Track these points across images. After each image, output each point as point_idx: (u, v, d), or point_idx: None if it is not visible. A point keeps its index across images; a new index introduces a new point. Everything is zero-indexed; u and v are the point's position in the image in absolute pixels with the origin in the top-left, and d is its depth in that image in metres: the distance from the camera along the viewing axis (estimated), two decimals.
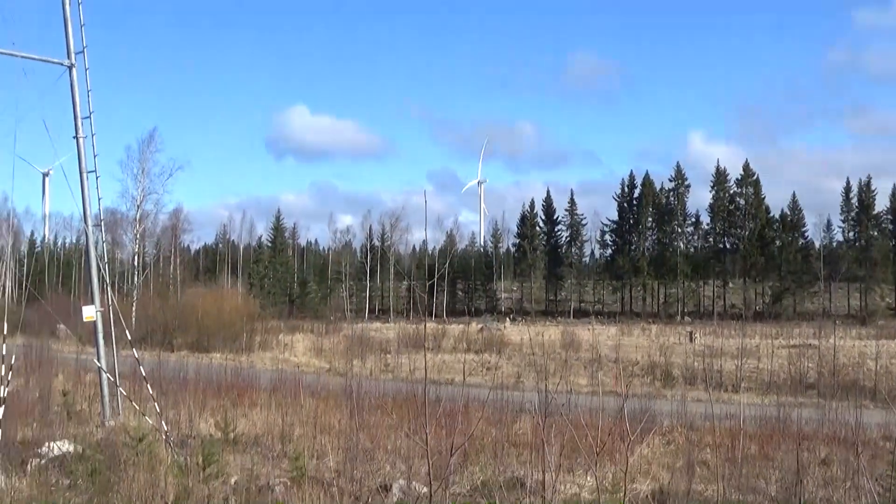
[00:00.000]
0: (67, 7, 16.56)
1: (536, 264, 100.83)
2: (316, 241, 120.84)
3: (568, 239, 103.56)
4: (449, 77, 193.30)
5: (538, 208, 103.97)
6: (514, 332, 54.93)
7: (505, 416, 15.74)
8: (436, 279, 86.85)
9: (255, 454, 13.25)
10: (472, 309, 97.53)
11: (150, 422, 14.29)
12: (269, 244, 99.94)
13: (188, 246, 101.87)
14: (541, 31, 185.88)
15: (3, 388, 12.82)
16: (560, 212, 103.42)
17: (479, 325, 60.00)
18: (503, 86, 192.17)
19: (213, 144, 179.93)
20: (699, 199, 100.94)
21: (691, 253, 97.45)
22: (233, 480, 10.80)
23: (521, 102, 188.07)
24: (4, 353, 13.29)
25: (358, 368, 29.52)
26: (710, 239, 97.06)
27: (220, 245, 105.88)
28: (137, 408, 15.56)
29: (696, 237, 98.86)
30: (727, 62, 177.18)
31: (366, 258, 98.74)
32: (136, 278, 57.40)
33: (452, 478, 9.05)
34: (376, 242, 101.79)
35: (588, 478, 10.75)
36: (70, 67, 16.64)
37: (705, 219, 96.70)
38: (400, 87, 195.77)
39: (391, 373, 31.03)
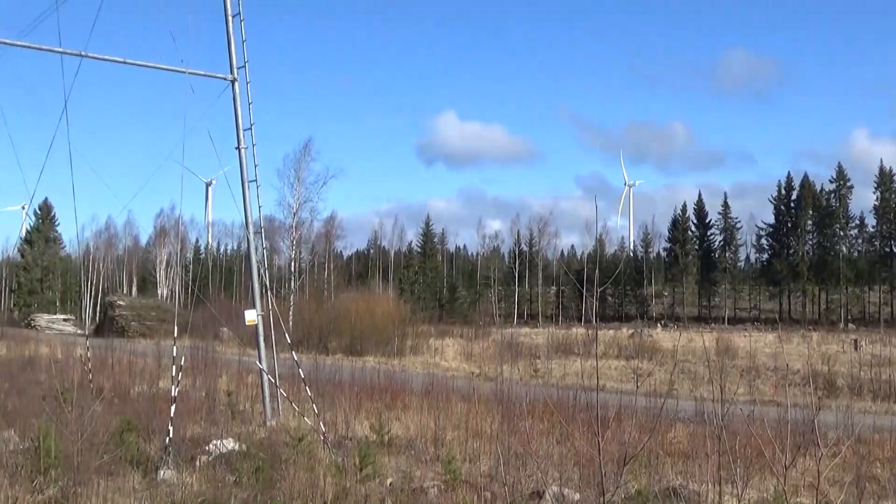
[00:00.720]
0: (230, 24, 17.35)
1: (688, 269, 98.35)
2: (465, 246, 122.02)
3: (721, 243, 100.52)
4: (598, 79, 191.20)
5: (690, 212, 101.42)
6: (666, 338, 53.68)
7: (658, 424, 15.42)
8: (584, 284, 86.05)
9: (409, 456, 13.47)
10: (623, 314, 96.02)
11: (309, 422, 14.76)
12: (419, 249, 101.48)
13: (341, 252, 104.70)
14: (691, 30, 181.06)
15: (174, 387, 13.54)
16: (713, 215, 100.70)
17: (630, 331, 58.96)
18: (653, 86, 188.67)
19: (365, 152, 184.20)
20: (863, 200, 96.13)
21: (855, 257, 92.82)
22: (388, 482, 11.03)
23: (672, 103, 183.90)
24: (175, 354, 14.05)
25: (507, 373, 29.54)
26: (876, 242, 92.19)
27: (372, 251, 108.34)
28: (297, 409, 16.09)
29: (860, 241, 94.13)
30: (892, 54, 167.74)
31: (514, 263, 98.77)
32: (292, 283, 59.35)
33: (605, 486, 8.91)
34: (524, 247, 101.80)
35: (748, 490, 10.40)
36: (232, 82, 17.42)
37: (870, 221, 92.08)
38: (548, 91, 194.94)
39: (541, 378, 30.88)
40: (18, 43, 15.74)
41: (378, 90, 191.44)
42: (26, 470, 10.78)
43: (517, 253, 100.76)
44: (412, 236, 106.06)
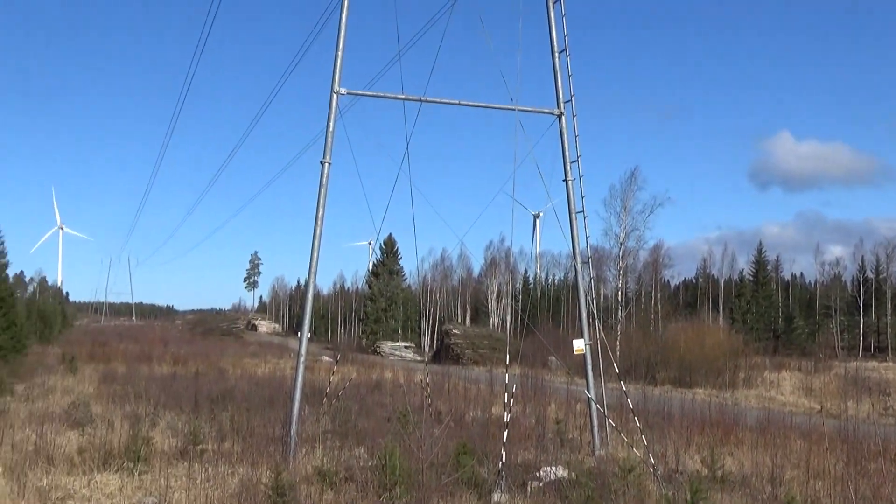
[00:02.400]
0: (556, 60, 17.83)
1: None
2: (801, 274, 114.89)
3: None
4: None
5: None
6: None
7: None
8: None
9: (744, 494, 12.91)
10: None
11: (638, 454, 14.61)
12: (751, 278, 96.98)
13: (668, 281, 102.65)
14: None
15: (506, 413, 14.01)
16: None
17: None
18: None
19: (693, 178, 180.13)
20: None
21: None
22: None
23: None
24: (506, 381, 14.54)
25: (853, 410, 27.37)
26: None
27: (700, 279, 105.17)
28: (625, 439, 15.99)
29: None
30: None
31: (858, 291, 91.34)
32: (619, 313, 59.18)
33: None
34: (870, 274, 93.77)
35: None
36: (559, 116, 17.87)
37: None
38: None
39: (892, 417, 28.28)
40: (367, 93, 17.25)
41: (705, 114, 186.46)
42: (374, 486, 11.65)
43: (861, 280, 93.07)
44: (743, 264, 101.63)
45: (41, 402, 22.85)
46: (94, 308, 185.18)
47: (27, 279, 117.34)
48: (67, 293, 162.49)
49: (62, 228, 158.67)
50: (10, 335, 35.00)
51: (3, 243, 41.96)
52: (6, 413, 19.56)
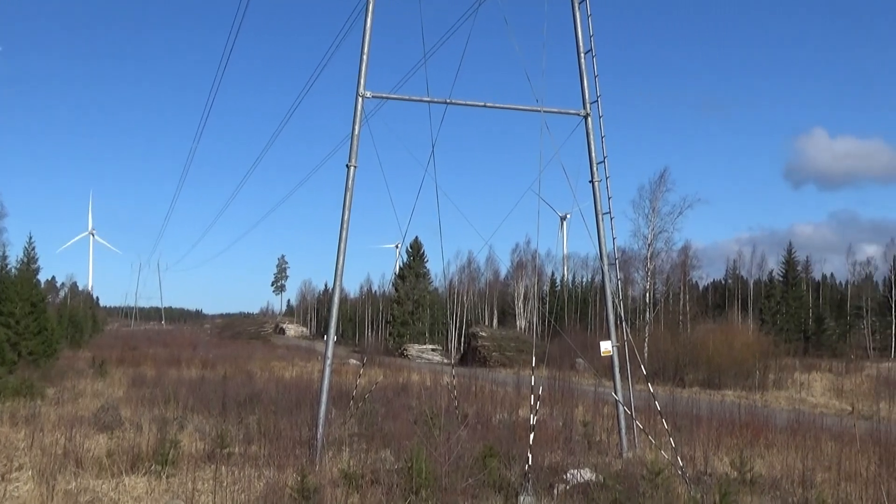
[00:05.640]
0: (582, 61, 17.75)
1: None
2: (832, 274, 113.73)
3: None
4: None
5: None
6: None
7: None
8: None
9: (774, 497, 12.77)
10: None
11: (666, 456, 14.49)
12: (781, 278, 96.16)
13: (696, 282, 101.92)
14: None
15: (532, 416, 13.95)
16: None
17: None
18: None
19: (723, 178, 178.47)
20: None
21: None
22: None
23: None
24: (533, 383, 14.48)
25: (885, 412, 27.01)
26: None
27: (729, 280, 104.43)
28: (653, 441, 15.88)
29: None
30: None
31: (889, 291, 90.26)
32: (647, 314, 58.86)
33: None
34: None
35: None
36: (585, 117, 17.78)
37: None
38: None
39: None
40: (393, 96, 17.25)
41: (737, 111, 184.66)
42: (400, 488, 11.63)
43: (893, 280, 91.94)
44: (773, 264, 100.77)
45: (71, 405, 23.08)
46: (124, 312, 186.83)
47: (58, 284, 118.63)
48: (98, 298, 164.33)
49: (93, 234, 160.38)
50: (42, 340, 35.39)
51: (34, 249, 42.50)
52: (37, 417, 19.75)
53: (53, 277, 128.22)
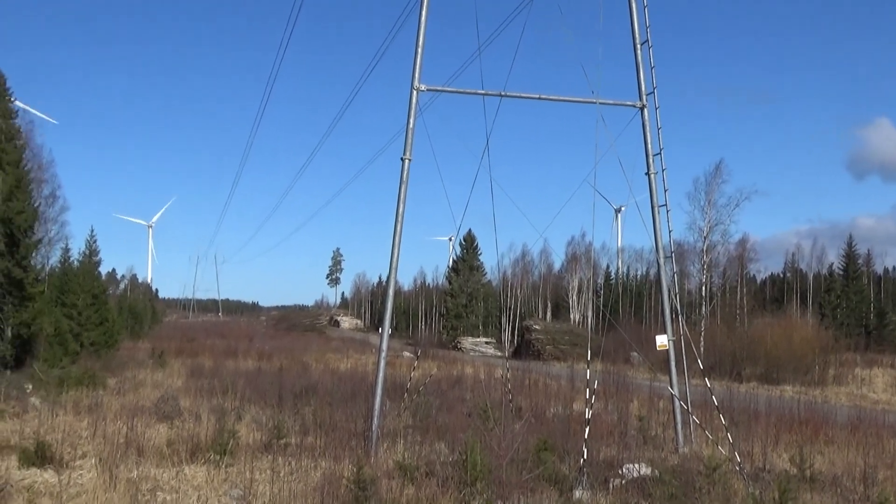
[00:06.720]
0: (638, 52, 17.57)
1: None
2: (894, 267, 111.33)
3: None
4: None
5: None
6: None
7: None
8: None
9: (834, 494, 12.54)
10: None
11: (723, 452, 14.33)
12: (841, 272, 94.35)
13: (754, 276, 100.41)
14: None
15: (587, 409, 13.89)
16: None
17: None
18: None
19: (783, 170, 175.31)
20: None
21: None
22: None
23: None
24: (588, 377, 14.41)
25: None
26: None
27: (788, 274, 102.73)
28: (710, 437, 15.71)
29: None
30: None
31: None
32: (703, 308, 58.15)
33: None
34: None
35: None
36: (641, 108, 17.60)
37: None
38: None
39: None
40: (447, 89, 17.27)
41: (797, 100, 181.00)
42: (455, 481, 11.66)
43: None
44: (833, 257, 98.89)
45: (132, 395, 23.55)
46: (182, 304, 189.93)
47: (119, 276, 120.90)
48: (157, 290, 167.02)
49: (151, 228, 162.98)
50: (103, 331, 36.21)
51: (95, 241, 43.43)
52: (99, 406, 20.20)
53: (114, 269, 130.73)
